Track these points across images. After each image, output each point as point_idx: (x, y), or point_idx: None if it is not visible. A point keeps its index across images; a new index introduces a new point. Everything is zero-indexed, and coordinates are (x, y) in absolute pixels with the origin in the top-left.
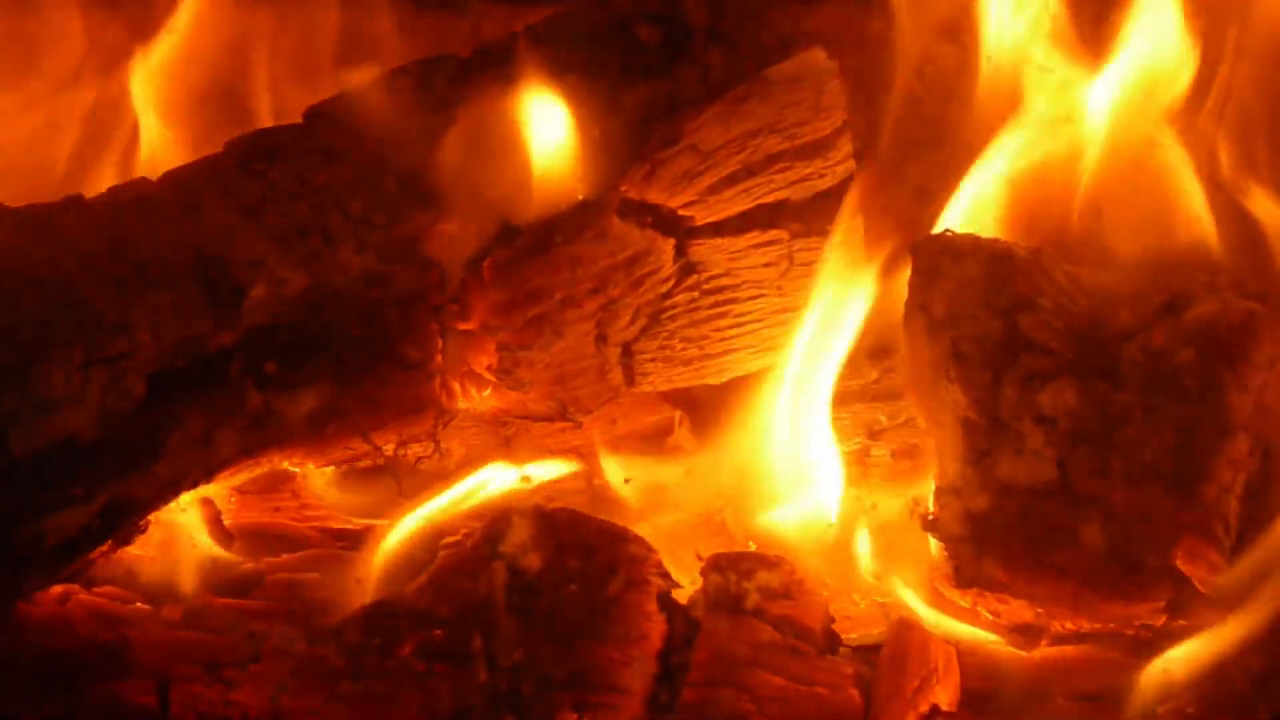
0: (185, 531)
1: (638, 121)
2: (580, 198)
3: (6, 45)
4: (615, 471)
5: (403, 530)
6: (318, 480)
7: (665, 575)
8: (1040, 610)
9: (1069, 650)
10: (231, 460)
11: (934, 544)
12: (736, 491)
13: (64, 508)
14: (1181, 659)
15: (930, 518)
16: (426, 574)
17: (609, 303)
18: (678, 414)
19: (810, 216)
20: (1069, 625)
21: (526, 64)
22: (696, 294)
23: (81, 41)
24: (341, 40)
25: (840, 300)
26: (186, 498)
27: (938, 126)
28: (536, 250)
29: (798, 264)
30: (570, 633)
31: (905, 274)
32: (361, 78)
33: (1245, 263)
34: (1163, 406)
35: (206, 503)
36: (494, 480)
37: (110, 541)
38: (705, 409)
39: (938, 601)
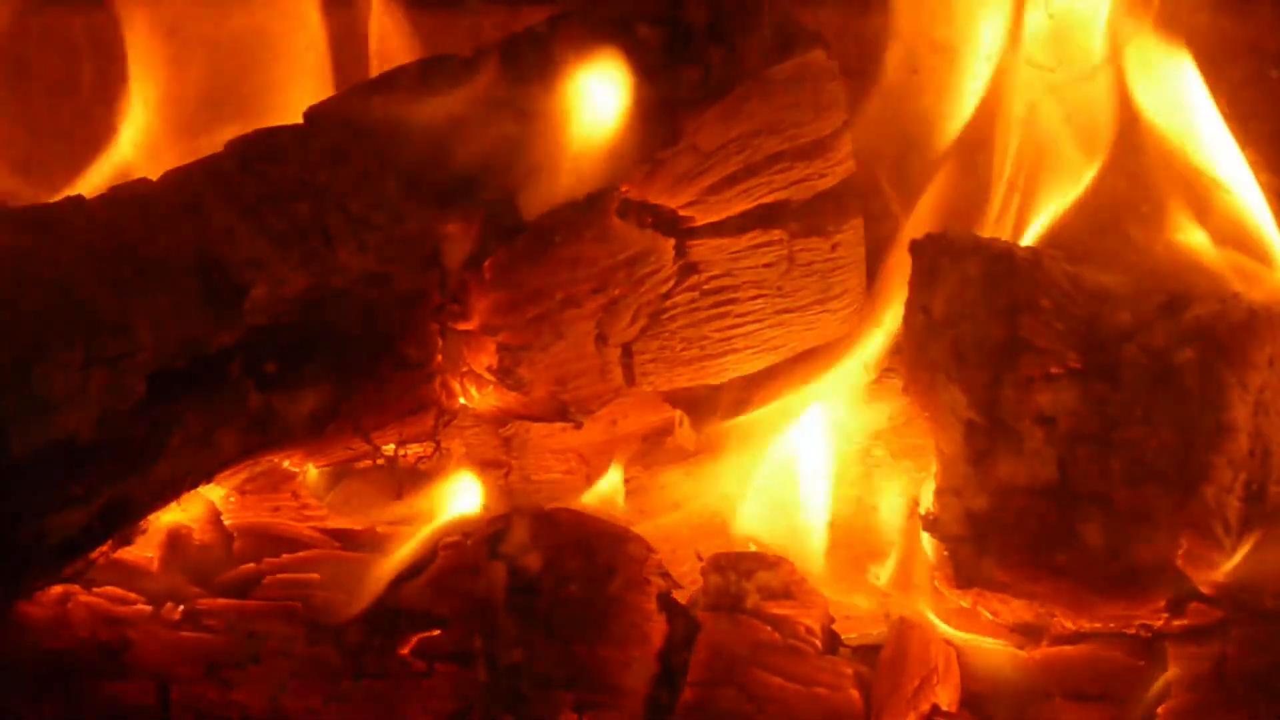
0: (185, 531)
1: (638, 121)
2: (581, 198)
3: None
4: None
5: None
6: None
7: (665, 575)
8: (1040, 610)
9: (1069, 650)
10: (232, 460)
11: (934, 544)
12: (737, 491)
13: (64, 508)
14: (1181, 659)
15: (930, 518)
16: (426, 574)
17: (609, 303)
18: (678, 414)
19: (810, 216)
20: (1069, 625)
21: (526, 64)
22: (696, 294)
23: None
24: (341, 40)
25: None
26: (186, 498)
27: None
28: (537, 250)
29: (798, 264)
30: (570, 633)
31: (905, 274)
32: (361, 78)
33: None
34: (1163, 406)
35: (206, 503)
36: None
37: (110, 541)
38: (705, 409)
39: (938, 601)
